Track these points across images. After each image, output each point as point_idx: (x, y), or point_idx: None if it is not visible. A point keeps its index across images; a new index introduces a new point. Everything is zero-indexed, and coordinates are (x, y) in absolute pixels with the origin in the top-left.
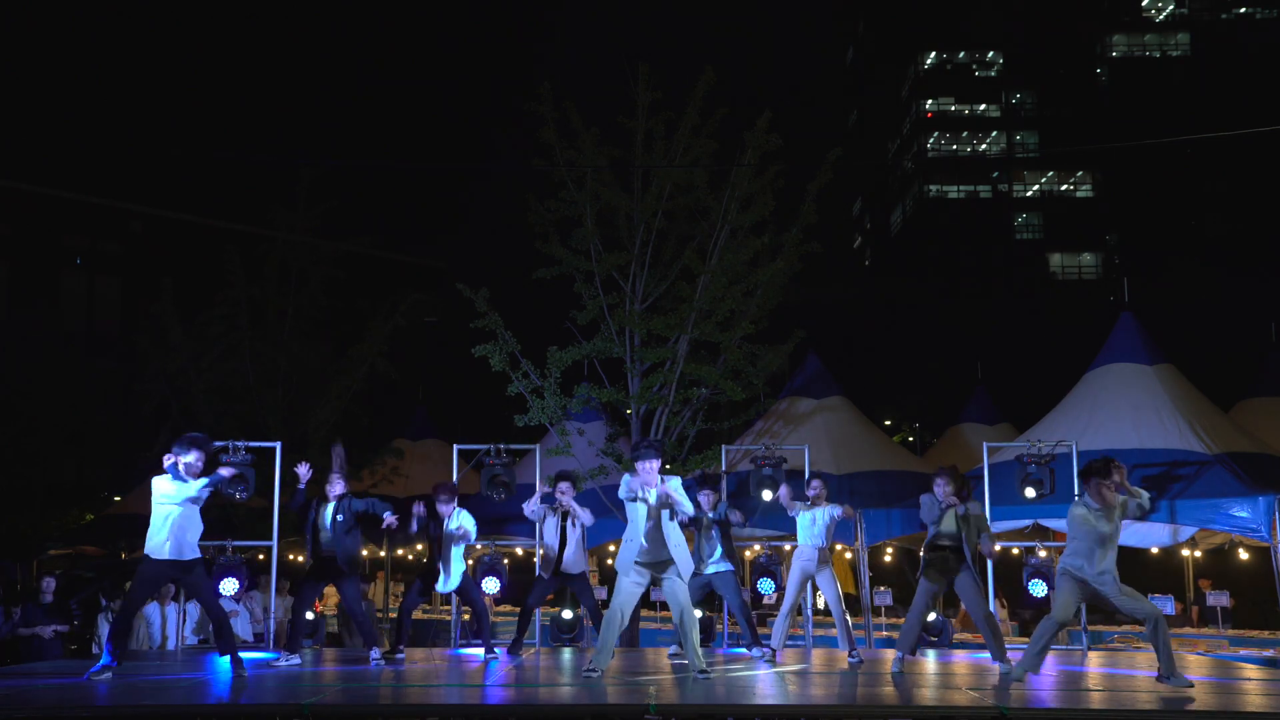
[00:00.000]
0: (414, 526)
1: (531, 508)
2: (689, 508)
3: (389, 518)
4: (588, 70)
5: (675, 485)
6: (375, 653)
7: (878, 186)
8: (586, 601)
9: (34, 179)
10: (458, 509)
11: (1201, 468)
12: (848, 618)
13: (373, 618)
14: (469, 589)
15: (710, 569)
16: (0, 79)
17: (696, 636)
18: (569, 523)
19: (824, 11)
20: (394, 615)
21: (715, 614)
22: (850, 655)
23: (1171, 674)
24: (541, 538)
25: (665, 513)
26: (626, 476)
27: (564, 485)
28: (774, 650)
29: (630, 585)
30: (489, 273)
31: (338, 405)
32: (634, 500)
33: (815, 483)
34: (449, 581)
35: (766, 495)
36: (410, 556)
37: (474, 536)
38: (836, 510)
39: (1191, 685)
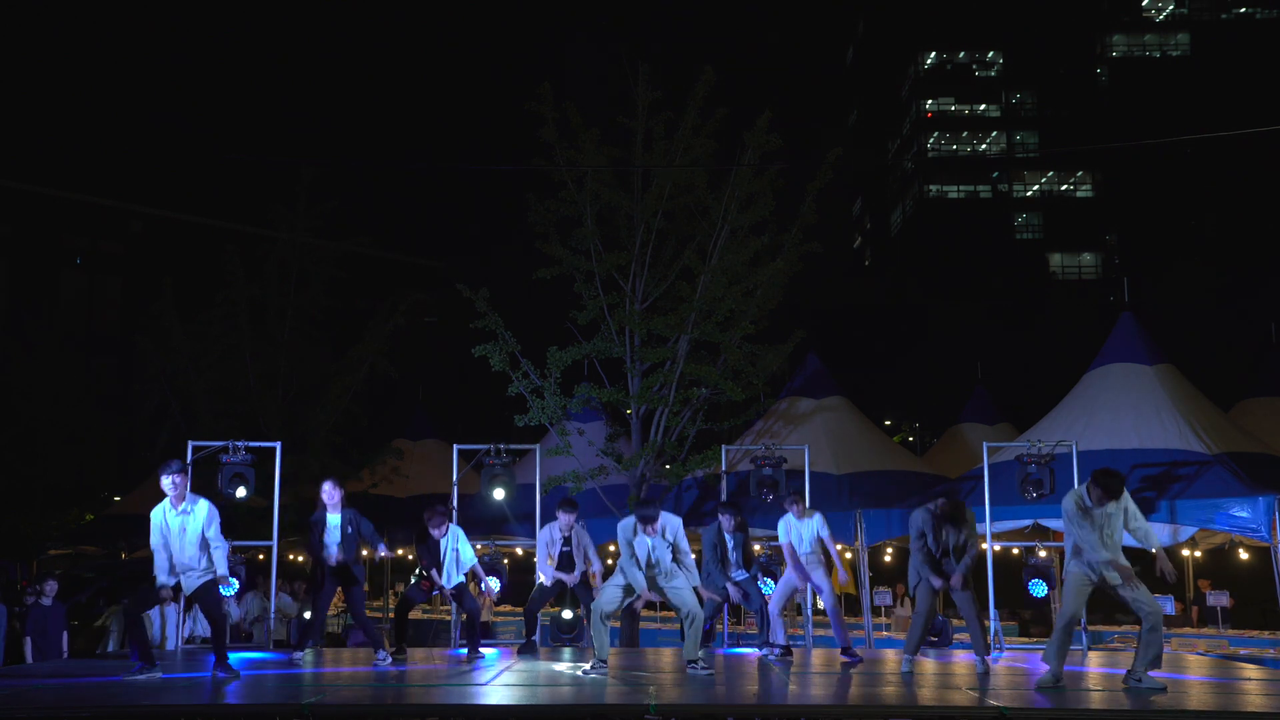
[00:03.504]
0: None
1: (549, 575)
2: (687, 553)
3: (382, 550)
4: (588, 70)
5: (677, 529)
6: (382, 654)
7: (878, 186)
8: (586, 601)
9: (34, 179)
10: (452, 527)
11: (1201, 468)
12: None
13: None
14: (463, 592)
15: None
16: (0, 79)
17: (699, 631)
18: (573, 548)
19: (824, 11)
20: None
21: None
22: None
23: (1142, 676)
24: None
25: (663, 553)
26: (624, 533)
27: (569, 517)
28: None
29: (616, 589)
30: (489, 273)
31: (338, 405)
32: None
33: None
34: (451, 579)
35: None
36: (410, 557)
37: (468, 558)
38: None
39: (1164, 689)
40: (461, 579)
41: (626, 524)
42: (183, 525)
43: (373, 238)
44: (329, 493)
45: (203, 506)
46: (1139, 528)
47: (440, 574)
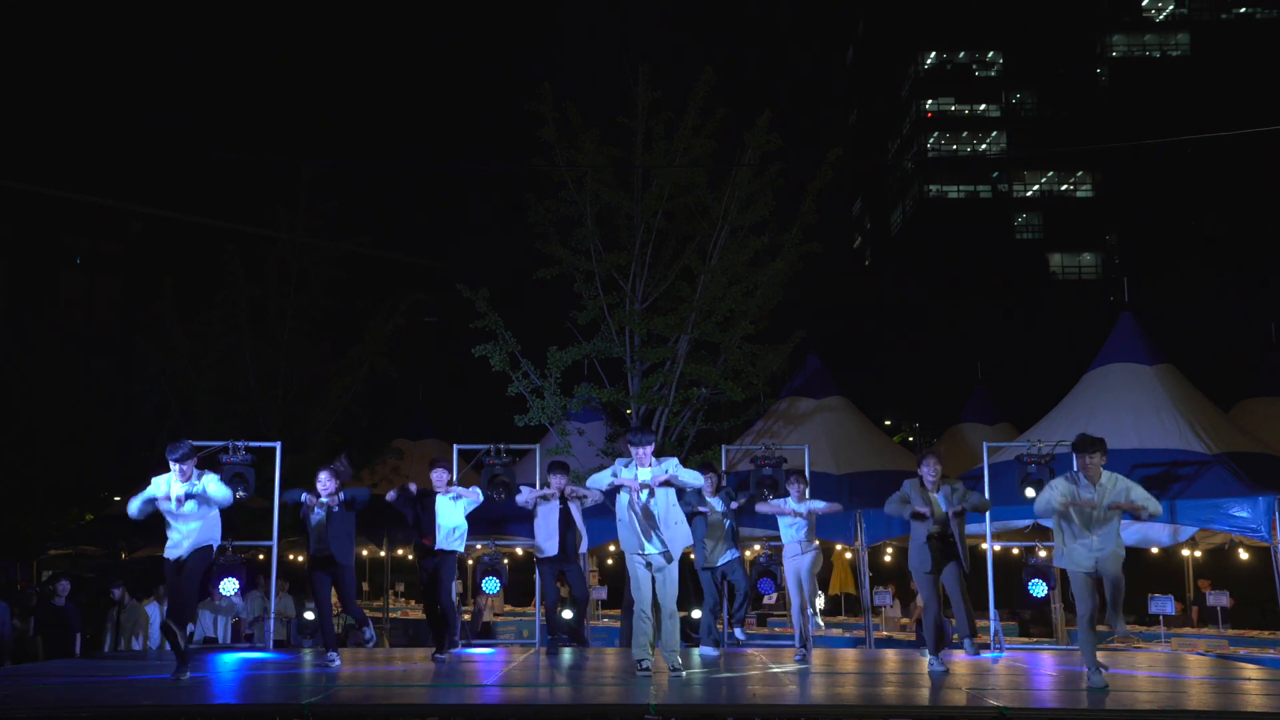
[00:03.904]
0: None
1: (524, 497)
2: (693, 479)
3: (362, 498)
4: (588, 70)
5: (674, 464)
6: (369, 632)
7: (878, 186)
8: (579, 588)
9: (34, 179)
10: (456, 487)
11: (1201, 468)
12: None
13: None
14: (442, 571)
15: (724, 559)
16: (0, 79)
17: (677, 629)
18: (570, 506)
19: (824, 11)
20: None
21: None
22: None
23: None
24: (540, 519)
25: (660, 493)
26: (615, 467)
27: (561, 478)
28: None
29: (641, 569)
30: (489, 272)
31: (338, 405)
32: (619, 486)
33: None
34: (448, 540)
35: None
36: (410, 556)
37: (466, 504)
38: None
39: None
40: (459, 547)
41: (619, 461)
42: (188, 492)
43: (373, 238)
44: (324, 483)
45: (210, 476)
46: (1138, 497)
47: (433, 537)
